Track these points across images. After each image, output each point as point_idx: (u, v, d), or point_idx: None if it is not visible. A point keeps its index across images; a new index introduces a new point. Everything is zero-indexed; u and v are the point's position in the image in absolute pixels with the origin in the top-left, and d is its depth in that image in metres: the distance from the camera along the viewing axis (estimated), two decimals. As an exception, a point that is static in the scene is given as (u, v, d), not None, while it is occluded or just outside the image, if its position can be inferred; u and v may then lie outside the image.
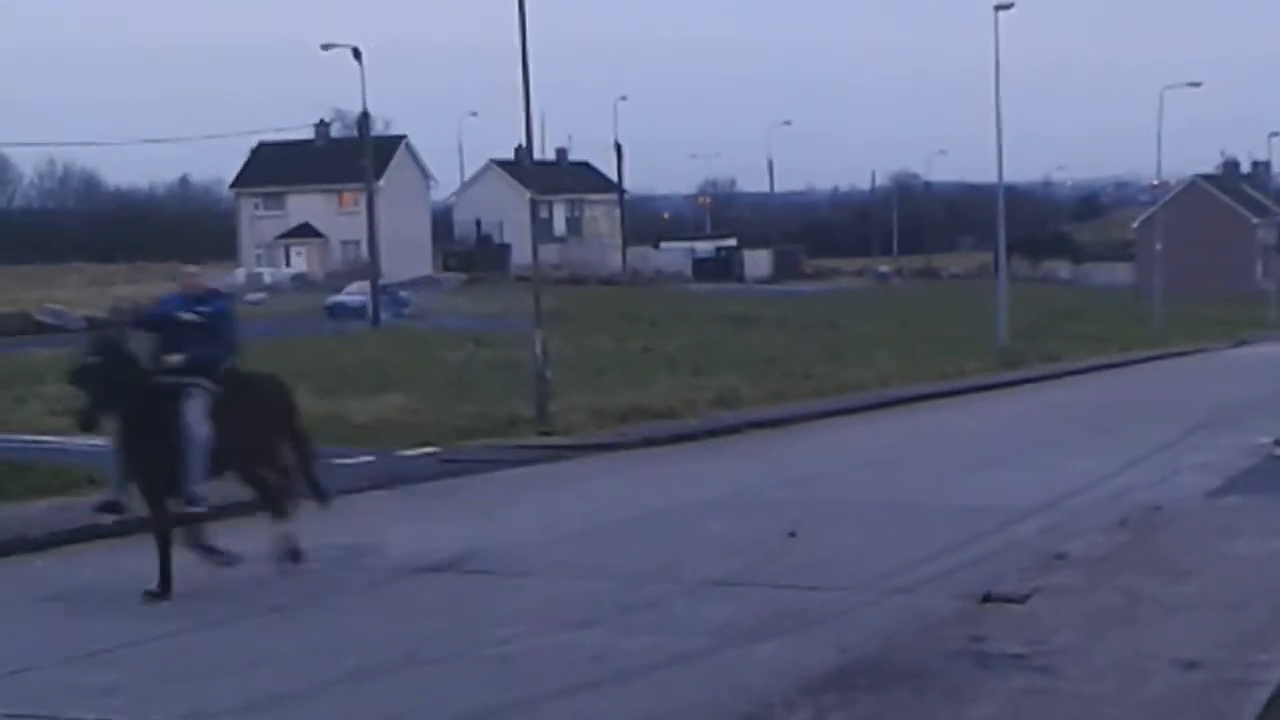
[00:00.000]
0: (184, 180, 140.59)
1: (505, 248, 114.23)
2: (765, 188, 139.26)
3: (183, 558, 15.58)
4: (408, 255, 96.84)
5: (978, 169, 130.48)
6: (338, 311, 70.22)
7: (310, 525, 17.52)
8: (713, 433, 27.35)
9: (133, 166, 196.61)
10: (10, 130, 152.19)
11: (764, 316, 60.99)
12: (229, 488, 14.86)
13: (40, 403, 29.40)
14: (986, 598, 12.73)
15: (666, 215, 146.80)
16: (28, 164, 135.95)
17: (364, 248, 77.69)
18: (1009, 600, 12.56)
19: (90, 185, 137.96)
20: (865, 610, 12.84)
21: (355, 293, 73.05)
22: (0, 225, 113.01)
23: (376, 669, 11.01)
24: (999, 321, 49.36)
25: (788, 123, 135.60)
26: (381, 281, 70.64)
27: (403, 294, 76.68)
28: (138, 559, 15.82)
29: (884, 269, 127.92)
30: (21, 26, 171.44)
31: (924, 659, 10.80)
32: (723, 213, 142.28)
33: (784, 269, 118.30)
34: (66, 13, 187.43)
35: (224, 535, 16.62)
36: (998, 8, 49.13)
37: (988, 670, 10.30)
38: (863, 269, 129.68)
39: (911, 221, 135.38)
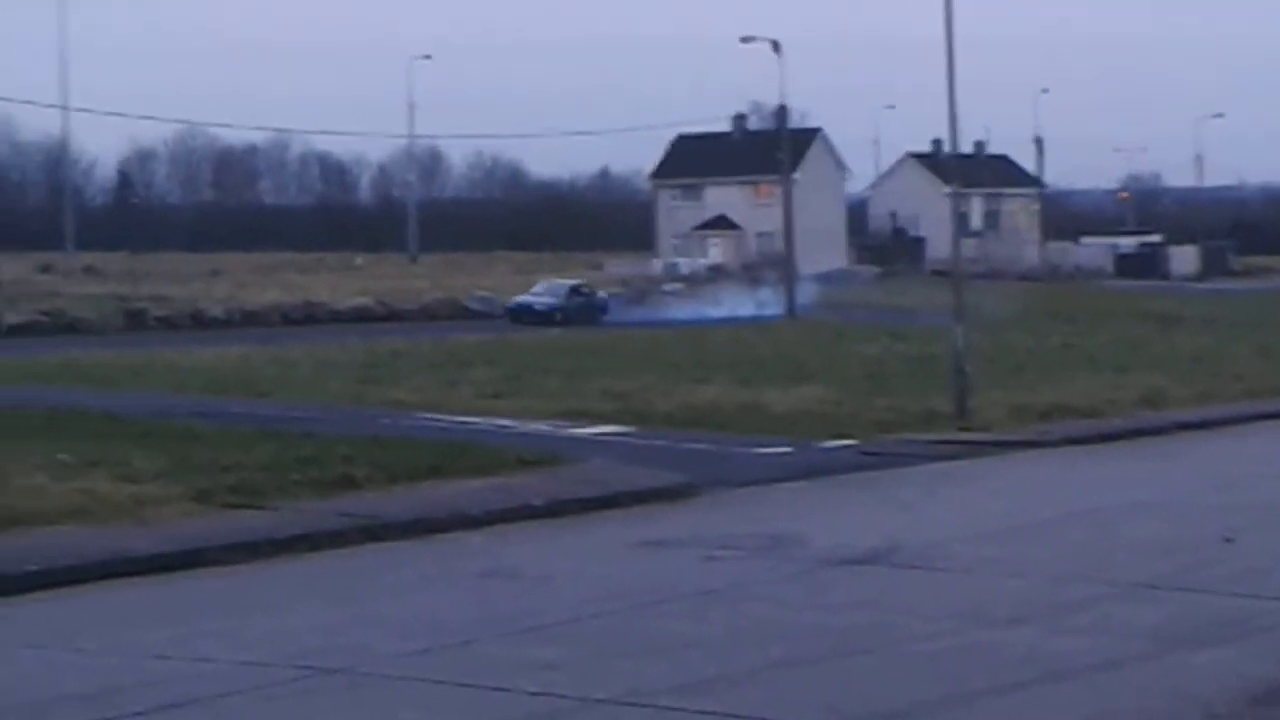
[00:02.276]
0: (604, 172, 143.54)
1: (920, 241, 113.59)
2: (1192, 182, 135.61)
3: (594, 541, 16.09)
4: (822, 247, 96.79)
5: None
6: (521, 314, 61.04)
7: (734, 514, 17.81)
8: (1138, 433, 26.63)
9: (555, 158, 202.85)
10: (442, 124, 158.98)
11: (1190, 315, 59.11)
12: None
13: (470, 386, 30.53)
14: None
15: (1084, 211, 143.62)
16: (458, 156, 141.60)
17: (779, 240, 77.92)
18: None
19: (515, 176, 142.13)
20: (1311, 623, 12.36)
21: (543, 294, 64.25)
22: (432, 215, 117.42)
23: (804, 658, 11.05)
24: None
25: (1219, 115, 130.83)
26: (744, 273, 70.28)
27: (600, 295, 67.69)
28: (569, 537, 16.39)
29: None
30: (449, 24, 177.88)
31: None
32: (1146, 208, 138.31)
33: (1212, 266, 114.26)
34: (488, 10, 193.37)
35: (641, 521, 17.16)
36: None
37: None
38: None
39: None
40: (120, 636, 11.56)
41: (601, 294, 68.32)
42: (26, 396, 27.54)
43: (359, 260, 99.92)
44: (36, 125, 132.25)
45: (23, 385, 30.75)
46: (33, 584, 13.21)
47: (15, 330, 52.67)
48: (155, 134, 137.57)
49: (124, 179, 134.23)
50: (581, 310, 62.05)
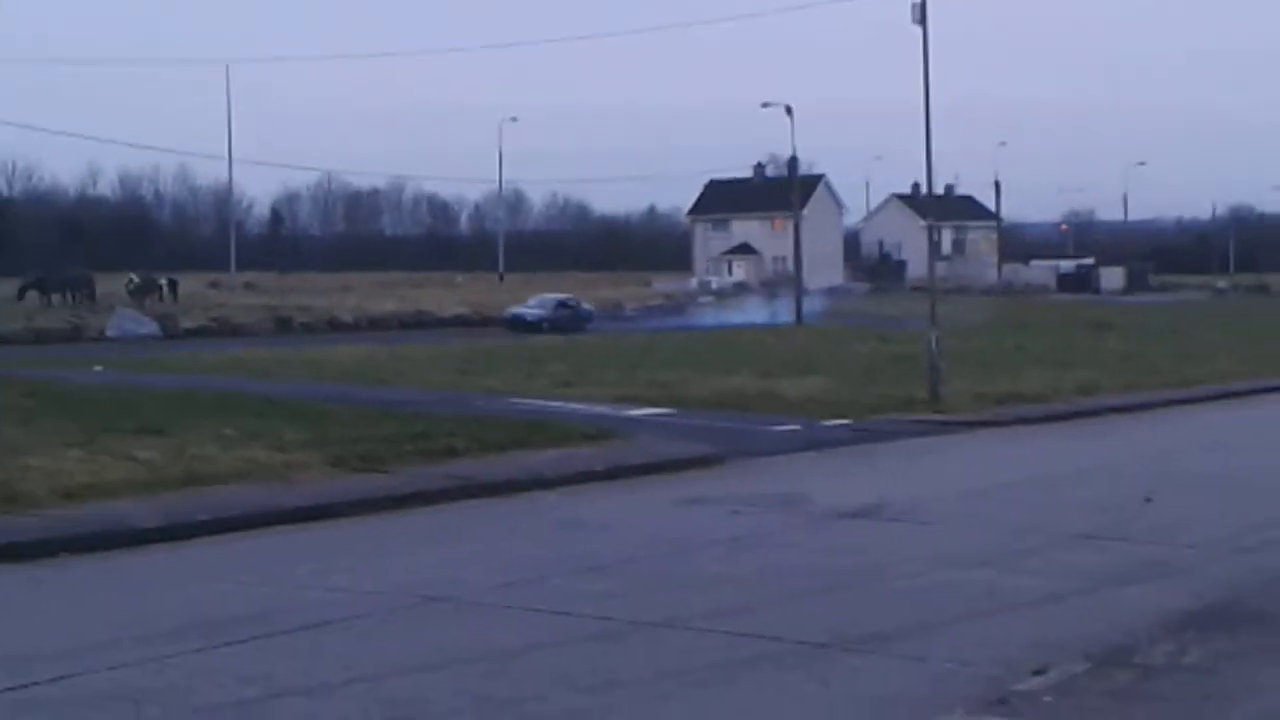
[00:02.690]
0: (651, 209, 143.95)
1: (902, 263, 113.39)
2: (1119, 216, 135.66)
3: (643, 498, 16.09)
4: (823, 268, 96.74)
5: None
6: (515, 323, 56.64)
7: (754, 478, 17.82)
8: (1076, 415, 26.42)
9: (613, 198, 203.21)
10: (524, 171, 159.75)
11: (1118, 322, 58.61)
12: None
13: (545, 377, 30.56)
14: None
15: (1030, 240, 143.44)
16: (537, 196, 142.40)
17: (789, 262, 77.91)
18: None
19: (582, 212, 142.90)
20: (1215, 565, 12.22)
21: (534, 306, 59.94)
22: (516, 243, 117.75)
23: (809, 591, 11.07)
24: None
25: (1142, 163, 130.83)
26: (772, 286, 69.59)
27: (585, 307, 62.32)
28: (624, 496, 16.41)
29: (1221, 285, 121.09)
30: (531, 93, 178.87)
31: (1268, 607, 10.29)
32: (1082, 237, 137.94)
33: (1135, 283, 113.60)
34: (560, 81, 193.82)
35: (681, 483, 17.16)
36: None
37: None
38: (1202, 285, 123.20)
39: (1246, 246, 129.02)
40: (273, 572, 11.68)
41: (586, 306, 63.15)
42: (199, 384, 27.77)
43: (459, 279, 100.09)
44: (207, 172, 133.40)
45: (196, 375, 30.99)
46: (205, 530, 13.33)
47: (190, 333, 53.12)
48: (300, 180, 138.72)
49: (275, 215, 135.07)
50: (568, 320, 57.63)
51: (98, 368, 33.15)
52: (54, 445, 16.92)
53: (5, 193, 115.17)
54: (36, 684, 8.26)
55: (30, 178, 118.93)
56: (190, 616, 9.97)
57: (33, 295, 64.20)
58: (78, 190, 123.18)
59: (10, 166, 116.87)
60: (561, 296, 63.58)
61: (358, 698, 8.05)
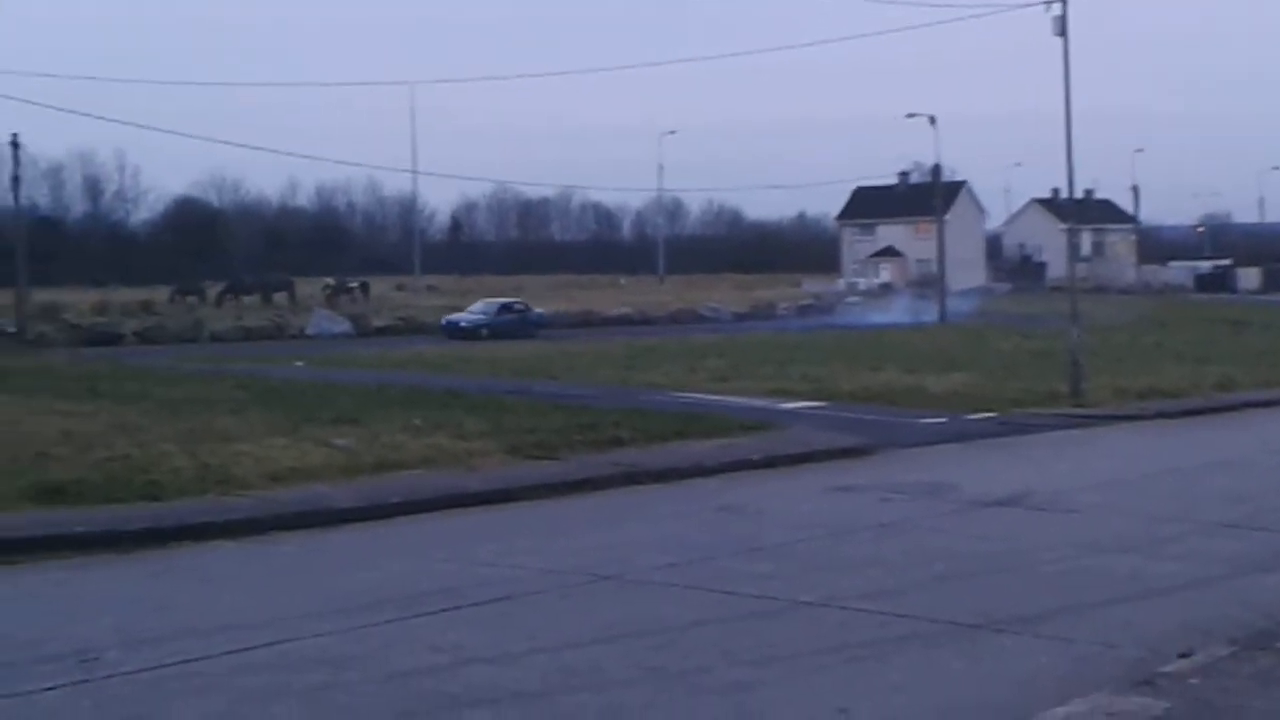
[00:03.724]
0: (801, 215, 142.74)
1: (1042, 265, 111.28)
2: (1255, 219, 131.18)
3: (798, 485, 15.98)
4: (965, 269, 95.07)
5: None
6: (451, 332, 50.70)
7: (903, 467, 17.62)
8: (1214, 409, 25.60)
9: (765, 205, 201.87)
10: (683, 180, 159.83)
11: (1254, 320, 56.74)
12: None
13: (704, 372, 30.58)
14: None
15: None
16: (694, 204, 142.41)
17: (934, 264, 76.78)
18: None
19: (736, 219, 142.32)
20: (1355, 554, 11.80)
21: (475, 312, 53.98)
22: (675, 247, 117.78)
23: (958, 575, 10.89)
24: None
25: (1278, 167, 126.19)
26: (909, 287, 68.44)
27: (535, 311, 55.55)
28: (779, 483, 16.35)
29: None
30: (688, 109, 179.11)
31: None
32: (1219, 239, 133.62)
33: (1271, 283, 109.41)
34: (717, 98, 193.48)
35: (833, 471, 17.03)
36: None
37: None
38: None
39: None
40: (458, 550, 11.84)
41: (537, 311, 55.91)
42: (388, 378, 28.36)
43: (622, 281, 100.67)
44: (394, 184, 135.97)
45: (385, 370, 31.66)
46: (397, 511, 13.58)
47: (380, 330, 54.33)
48: (477, 190, 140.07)
49: (455, 223, 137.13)
50: (512, 326, 51.57)
51: (298, 363, 34.08)
52: (262, 433, 17.46)
53: (216, 204, 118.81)
54: (251, 648, 8.53)
55: (237, 191, 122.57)
56: (385, 590, 10.18)
57: (228, 299, 66.24)
58: (279, 202, 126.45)
59: (220, 181, 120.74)
60: (506, 300, 57.00)
61: (538, 667, 8.15)
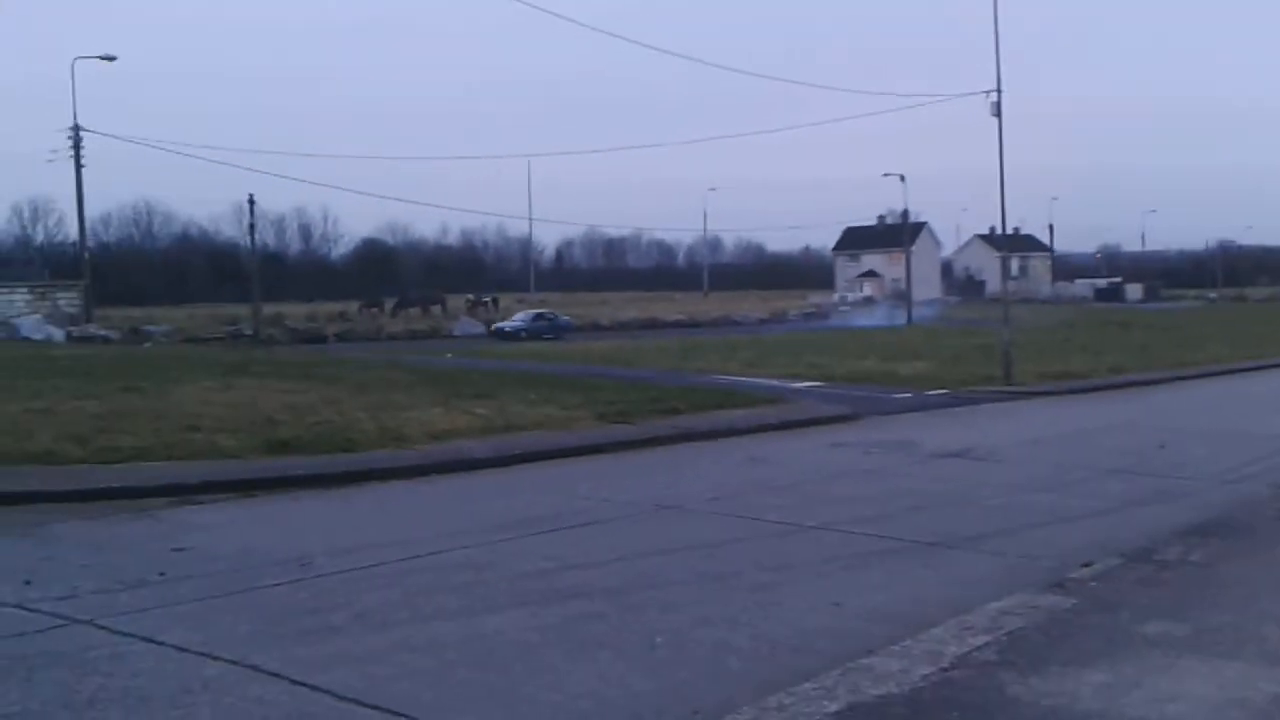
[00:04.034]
0: (806, 248, 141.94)
1: (982, 283, 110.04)
2: (1139, 248, 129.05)
3: (805, 442, 15.83)
4: (926, 287, 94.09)
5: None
6: (498, 335, 49.20)
7: (881, 429, 17.45)
8: (1109, 387, 25.10)
9: (781, 240, 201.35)
10: (721, 223, 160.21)
11: (1138, 322, 55.51)
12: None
13: (737, 361, 30.41)
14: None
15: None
16: (730, 240, 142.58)
17: (903, 283, 75.99)
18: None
19: (759, 251, 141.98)
20: (1211, 492, 11.49)
21: (515, 320, 52.24)
22: (715, 272, 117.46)
23: (921, 507, 10.73)
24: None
25: (1154, 211, 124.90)
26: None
27: (563, 319, 53.50)
28: (792, 440, 16.20)
29: (1212, 295, 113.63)
30: (724, 168, 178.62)
31: (1251, 520, 9.60)
32: (1112, 262, 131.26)
33: (1150, 295, 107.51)
34: (747, 161, 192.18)
35: (830, 432, 16.85)
36: None
37: (1299, 533, 9.03)
38: (1198, 296, 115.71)
39: (1229, 269, 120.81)
40: (561, 488, 11.81)
41: (565, 318, 53.47)
42: (510, 366, 28.49)
43: (676, 296, 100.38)
44: (515, 227, 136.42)
45: (508, 360, 31.80)
46: (519, 460, 13.58)
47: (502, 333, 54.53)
48: (575, 230, 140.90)
49: (559, 254, 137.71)
50: (545, 329, 49.79)
51: (449, 355, 34.31)
52: (424, 405, 17.57)
53: (390, 243, 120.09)
54: (418, 556, 8.59)
55: (406, 233, 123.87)
56: (510, 516, 10.19)
57: (399, 310, 66.91)
58: (435, 240, 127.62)
59: (394, 226, 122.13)
60: (540, 310, 55.00)
61: (618, 571, 8.15)
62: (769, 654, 6.21)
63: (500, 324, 51.64)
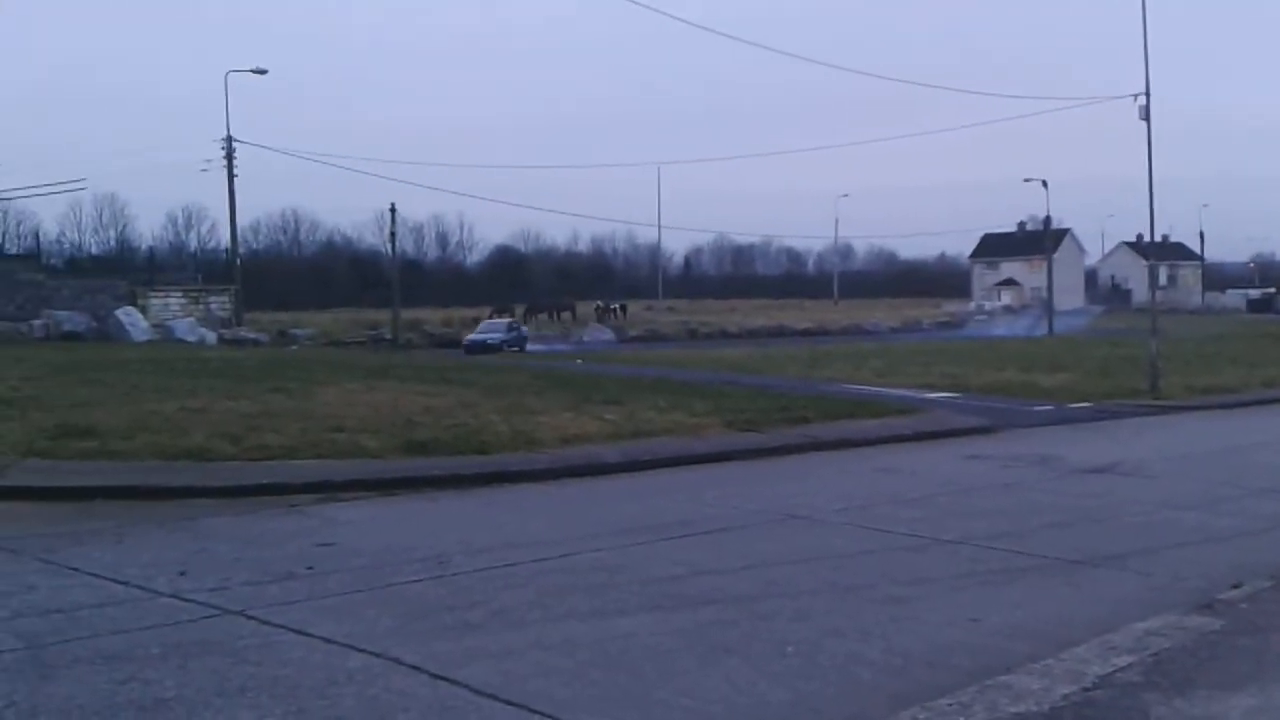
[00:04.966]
0: (941, 255, 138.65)
1: (1128, 292, 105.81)
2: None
3: (939, 454, 15.46)
4: (1068, 296, 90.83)
5: None
6: (472, 348, 44.70)
7: (1020, 442, 16.93)
8: (1262, 402, 23.80)
9: (914, 247, 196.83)
10: (853, 229, 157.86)
11: (1299, 334, 52.44)
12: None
13: (868, 370, 29.99)
14: None
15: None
16: (861, 247, 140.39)
17: (1044, 291, 73.46)
18: None
19: (891, 258, 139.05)
20: (1384, 517, 10.79)
21: (487, 330, 49.65)
22: (846, 280, 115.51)
23: (1063, 523, 10.32)
24: None
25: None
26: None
27: (523, 329, 52.01)
28: (926, 451, 15.82)
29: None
30: (858, 176, 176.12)
31: None
32: (1266, 271, 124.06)
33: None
34: (880, 167, 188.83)
35: (966, 444, 16.44)
36: None
37: None
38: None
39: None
40: (691, 494, 11.85)
41: (524, 329, 51.91)
42: (640, 372, 28.69)
43: (805, 304, 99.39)
44: (644, 235, 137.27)
45: (637, 366, 32.03)
46: (648, 466, 13.67)
47: (634, 339, 55.14)
48: (703, 238, 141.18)
49: (687, 261, 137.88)
50: (516, 340, 48.06)
51: (579, 360, 34.84)
52: (555, 409, 17.80)
53: (523, 250, 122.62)
54: (550, 558, 8.74)
55: (538, 240, 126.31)
56: (640, 520, 10.29)
57: (531, 316, 68.26)
58: (566, 247, 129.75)
59: (526, 234, 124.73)
60: (508, 320, 52.98)
61: (748, 578, 8.16)
62: (902, 667, 6.14)
63: (474, 336, 47.82)
